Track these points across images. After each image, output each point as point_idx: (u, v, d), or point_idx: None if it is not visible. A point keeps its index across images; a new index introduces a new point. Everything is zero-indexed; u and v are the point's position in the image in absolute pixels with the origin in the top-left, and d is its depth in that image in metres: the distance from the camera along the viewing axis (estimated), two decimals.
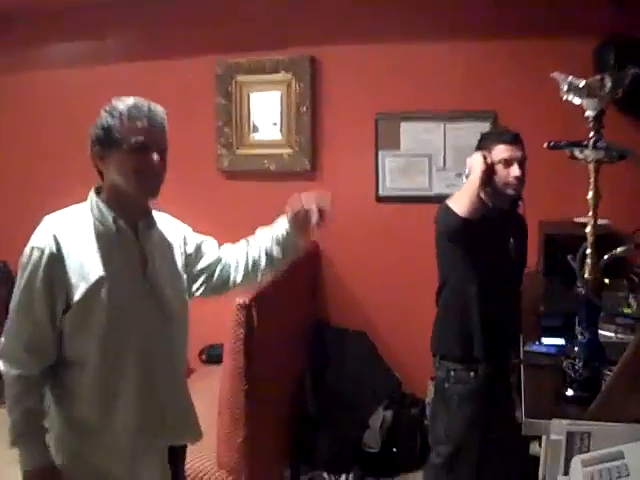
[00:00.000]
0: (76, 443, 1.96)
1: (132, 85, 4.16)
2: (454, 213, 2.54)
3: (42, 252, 1.83)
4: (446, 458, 2.79)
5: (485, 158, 2.65)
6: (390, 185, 4.05)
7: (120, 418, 1.94)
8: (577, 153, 2.22)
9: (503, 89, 3.83)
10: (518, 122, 3.47)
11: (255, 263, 2.18)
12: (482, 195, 2.69)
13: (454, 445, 2.76)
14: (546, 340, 2.71)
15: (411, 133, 3.98)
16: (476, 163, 2.65)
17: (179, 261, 2.10)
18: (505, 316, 2.78)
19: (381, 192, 4.06)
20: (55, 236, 1.85)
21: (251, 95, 4.14)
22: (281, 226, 2.13)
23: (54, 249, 1.83)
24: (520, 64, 3.79)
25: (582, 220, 3.57)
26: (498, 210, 2.75)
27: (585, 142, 2.19)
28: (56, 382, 1.94)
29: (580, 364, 2.22)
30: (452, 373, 2.76)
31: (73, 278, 1.84)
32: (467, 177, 2.70)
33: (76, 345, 1.90)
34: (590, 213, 2.25)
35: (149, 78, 4.20)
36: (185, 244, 2.15)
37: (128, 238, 1.94)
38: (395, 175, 4.03)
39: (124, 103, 1.87)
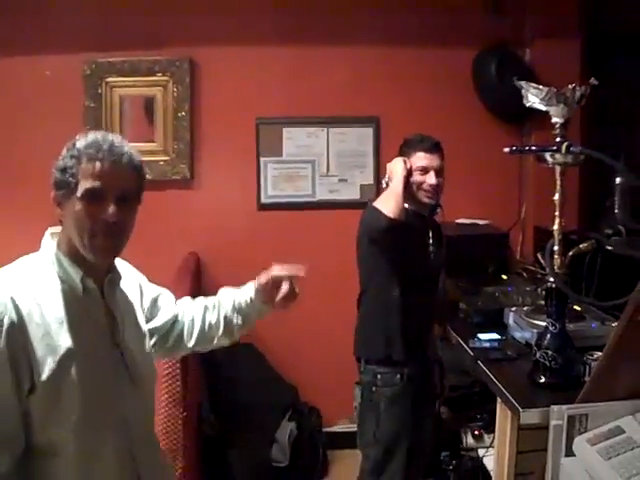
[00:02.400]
0: None
1: None
2: (382, 213, 2.57)
3: (0, 321, 1.47)
4: (375, 461, 2.80)
5: (405, 163, 2.72)
6: (272, 192, 4.00)
7: None
8: (547, 157, 2.33)
9: (386, 95, 3.95)
10: (399, 128, 3.60)
11: (211, 328, 1.96)
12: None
13: (383, 447, 2.78)
14: (482, 336, 2.84)
15: (293, 139, 3.97)
16: (397, 168, 2.71)
17: (140, 317, 1.84)
18: (425, 318, 2.89)
19: (263, 199, 3.99)
20: (13, 299, 1.50)
21: (123, 98, 3.85)
22: (246, 293, 1.94)
23: (14, 316, 1.49)
24: (403, 70, 3.94)
25: (465, 221, 3.82)
26: (417, 215, 2.81)
27: (555, 147, 2.30)
28: (23, 474, 1.57)
29: (553, 353, 2.34)
30: (379, 376, 2.77)
31: (38, 351, 1.51)
32: (387, 182, 2.75)
33: (46, 431, 1.56)
34: (557, 213, 2.36)
35: (5, 76, 3.85)
36: (141, 297, 1.88)
37: (96, 300, 1.65)
38: (278, 182, 3.99)
39: (84, 139, 1.56)
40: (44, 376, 1.50)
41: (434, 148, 2.75)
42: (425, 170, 2.72)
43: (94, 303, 1.64)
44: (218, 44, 3.87)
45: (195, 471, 2.88)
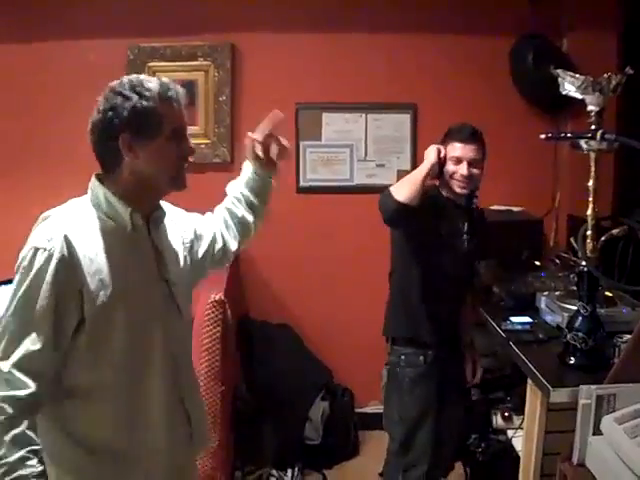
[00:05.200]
0: (96, 472, 1.69)
1: (34, 68, 3.86)
2: (392, 197, 2.57)
3: (50, 255, 1.54)
4: (400, 441, 2.83)
5: (439, 152, 2.72)
6: (311, 176, 4.06)
7: (147, 440, 1.73)
8: (582, 144, 2.37)
9: (423, 82, 3.99)
10: (437, 115, 3.65)
11: (244, 221, 2.05)
12: (437, 184, 2.80)
13: (407, 427, 2.81)
14: (514, 319, 2.89)
15: (332, 124, 4.03)
16: (429, 154, 2.72)
17: (181, 252, 1.88)
18: (453, 303, 2.90)
19: (302, 183, 4.06)
20: (66, 236, 1.57)
21: None
22: (248, 171, 2.05)
23: (66, 252, 1.56)
24: (440, 58, 3.97)
25: (499, 208, 3.86)
26: (452, 203, 2.81)
27: (589, 134, 2.33)
28: (63, 413, 1.66)
29: (584, 335, 2.39)
30: (402, 357, 2.81)
31: (91, 286, 1.58)
32: None
33: (92, 369, 1.63)
34: (590, 198, 2.40)
35: (52, 60, 3.93)
36: (184, 230, 1.92)
37: (143, 236, 1.72)
38: (316, 165, 4.05)
39: (152, 83, 1.62)
40: (94, 311, 1.59)
41: (470, 138, 2.73)
42: (459, 160, 2.72)
43: (141, 239, 1.71)
44: (259, 30, 3.94)
45: (229, 445, 2.95)
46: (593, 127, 2.35)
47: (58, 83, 3.97)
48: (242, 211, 2.04)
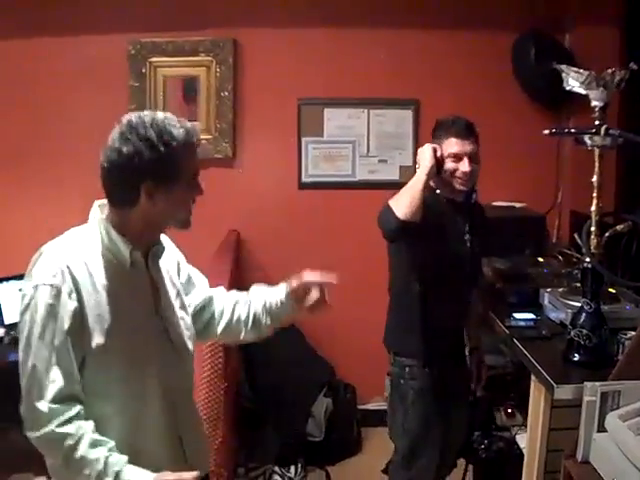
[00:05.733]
0: None
1: (36, 63, 3.86)
2: (393, 215, 2.41)
3: (58, 291, 1.54)
4: (404, 454, 2.74)
5: (435, 151, 2.55)
6: (313, 172, 4.06)
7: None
8: (586, 139, 2.36)
9: (425, 78, 3.99)
10: (439, 111, 3.62)
11: (240, 322, 1.97)
12: (433, 184, 2.62)
13: (411, 440, 2.70)
14: (518, 315, 2.89)
15: (334, 119, 4.03)
16: (425, 157, 2.54)
17: (180, 288, 1.88)
18: (457, 309, 2.76)
19: (304, 179, 4.06)
20: (69, 268, 1.57)
21: (167, 78, 3.95)
22: (277, 294, 1.96)
23: (71, 285, 1.56)
24: (443, 54, 3.98)
25: (502, 204, 3.85)
26: (452, 203, 2.66)
27: (593, 130, 2.33)
28: None
29: (588, 332, 2.38)
30: (407, 369, 2.68)
31: (90, 320, 1.59)
32: (418, 167, 2.58)
33: (93, 404, 1.62)
34: (594, 194, 2.39)
35: (53, 55, 3.93)
36: (179, 271, 1.91)
37: (141, 272, 1.71)
38: (318, 161, 4.06)
39: (177, 129, 1.59)
40: (94, 345, 1.59)
41: (466, 132, 2.57)
42: (458, 157, 2.55)
43: (140, 275, 1.70)
44: (261, 25, 3.93)
45: (232, 442, 2.94)
46: (597, 123, 2.34)
47: (59, 78, 3.96)
48: (245, 316, 1.97)
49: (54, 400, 1.53)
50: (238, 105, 4.00)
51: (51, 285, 1.54)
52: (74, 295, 1.56)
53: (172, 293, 1.82)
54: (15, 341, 3.35)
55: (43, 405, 1.53)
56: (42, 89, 3.97)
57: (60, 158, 3.99)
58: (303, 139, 4.03)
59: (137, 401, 1.69)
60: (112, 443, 1.57)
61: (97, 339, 1.59)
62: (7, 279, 3.60)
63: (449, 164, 2.57)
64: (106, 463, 1.53)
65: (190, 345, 1.86)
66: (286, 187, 4.07)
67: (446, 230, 2.63)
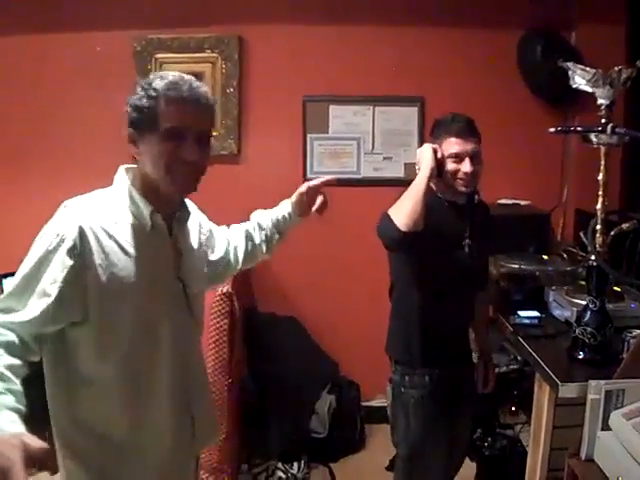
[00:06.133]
0: (100, 458, 1.72)
1: (41, 59, 3.87)
2: (394, 226, 2.31)
3: (62, 241, 1.56)
4: (405, 462, 2.69)
5: (435, 152, 2.45)
6: (318, 168, 4.05)
7: (151, 436, 1.75)
8: (592, 137, 2.36)
9: (431, 75, 3.98)
10: (444, 108, 3.62)
11: (255, 248, 2.12)
12: (434, 187, 2.55)
13: (414, 447, 2.64)
14: (523, 313, 2.89)
15: (339, 116, 4.02)
16: (425, 158, 2.45)
17: (202, 254, 1.95)
18: (456, 322, 2.69)
19: (309, 175, 4.05)
20: (81, 227, 1.58)
21: None
22: (283, 210, 2.16)
23: (77, 243, 1.57)
24: (448, 51, 3.96)
25: (506, 201, 3.85)
26: (453, 207, 2.57)
27: (600, 128, 2.33)
28: (70, 397, 1.69)
29: (593, 330, 2.38)
30: (407, 378, 2.61)
31: (102, 278, 1.59)
32: (418, 169, 2.49)
33: (98, 360, 1.65)
34: (600, 192, 2.39)
35: (58, 52, 3.93)
36: (200, 231, 1.96)
37: (163, 235, 1.73)
38: (323, 158, 4.05)
39: (162, 80, 1.60)
40: (102, 303, 1.60)
41: (467, 131, 2.45)
42: (459, 157, 2.44)
43: (160, 238, 1.72)
44: (266, 22, 3.92)
45: (236, 438, 2.95)
46: (603, 121, 2.34)
47: (65, 74, 3.96)
48: (259, 239, 2.12)
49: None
50: (243, 102, 4.00)
51: (57, 234, 1.57)
52: (78, 253, 1.57)
53: (194, 259, 1.86)
54: None
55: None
56: (47, 85, 3.98)
57: (64, 154, 4.00)
58: (308, 136, 4.02)
59: (146, 360, 1.71)
60: (15, 386, 1.46)
61: (107, 295, 1.60)
62: (11, 274, 3.59)
63: (450, 165, 2.46)
64: None
65: (202, 310, 1.93)
66: (291, 184, 4.01)
67: (444, 236, 2.52)
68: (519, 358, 3.21)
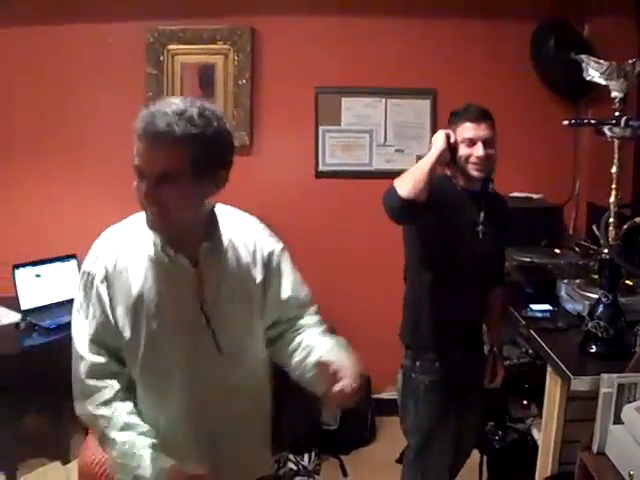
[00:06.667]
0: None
1: (53, 51, 3.89)
2: (396, 193, 2.36)
3: (92, 277, 1.67)
4: (416, 448, 2.70)
5: (448, 137, 2.52)
6: (330, 160, 4.06)
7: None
8: (606, 130, 2.35)
9: (443, 68, 3.97)
10: (457, 101, 3.61)
11: (289, 356, 1.89)
12: (449, 173, 2.61)
13: (423, 434, 2.66)
14: (535, 306, 2.88)
15: (352, 108, 4.02)
16: (437, 140, 2.52)
17: (251, 289, 1.79)
18: (471, 303, 2.68)
19: (321, 167, 4.06)
20: (107, 264, 1.66)
21: (184, 65, 3.96)
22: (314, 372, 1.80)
23: (103, 275, 1.66)
24: (461, 44, 3.95)
25: (519, 195, 3.83)
26: (466, 192, 2.60)
27: (614, 120, 2.31)
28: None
29: (605, 324, 2.38)
30: (417, 363, 2.64)
31: (119, 312, 1.67)
32: None
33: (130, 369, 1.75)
34: (613, 185, 2.39)
35: (71, 44, 3.95)
36: (253, 268, 1.79)
37: (183, 267, 1.66)
38: (335, 150, 4.05)
39: (145, 110, 1.53)
40: (122, 334, 1.66)
41: (480, 117, 2.52)
42: (472, 142, 2.49)
43: (180, 270, 1.66)
44: (279, 13, 3.92)
45: None
46: (617, 114, 2.33)
47: (77, 66, 3.98)
48: (297, 360, 1.86)
49: (89, 375, 1.64)
50: (255, 93, 4.00)
51: (88, 272, 1.67)
52: (105, 283, 1.65)
53: (234, 292, 1.74)
54: (32, 327, 3.41)
55: (80, 381, 1.66)
56: (60, 76, 3.99)
57: (78, 145, 4.02)
58: (320, 128, 4.03)
59: (159, 395, 1.72)
60: (144, 427, 1.64)
61: (125, 329, 1.65)
62: (23, 265, 3.63)
63: (463, 150, 2.52)
64: (132, 445, 1.60)
65: (245, 350, 1.80)
66: (303, 176, 4.07)
67: (457, 219, 2.56)
68: (530, 351, 3.19)
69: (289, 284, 1.89)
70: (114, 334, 1.66)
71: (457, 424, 2.67)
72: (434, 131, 3.88)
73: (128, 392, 1.69)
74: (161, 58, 3.92)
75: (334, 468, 3.66)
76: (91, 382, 1.64)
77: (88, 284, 1.66)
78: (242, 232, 1.80)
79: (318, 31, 3.96)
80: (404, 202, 2.34)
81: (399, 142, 4.02)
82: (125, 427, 1.62)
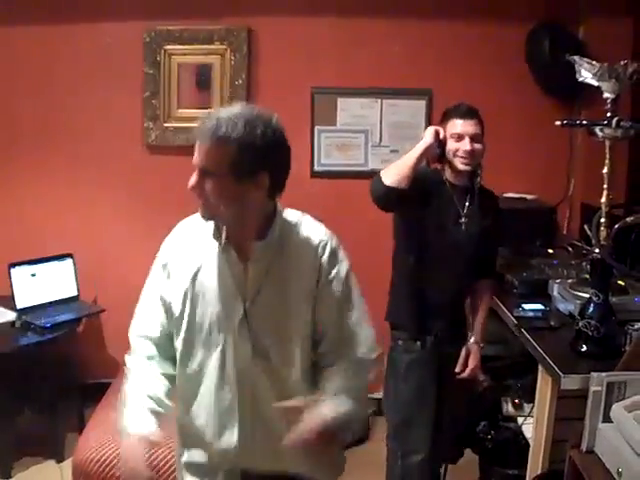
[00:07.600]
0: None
1: (51, 51, 3.91)
2: (380, 181, 2.57)
3: (160, 262, 1.87)
4: (395, 426, 2.84)
5: (437, 133, 2.69)
6: (325, 160, 4.08)
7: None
8: (597, 131, 2.37)
9: (439, 68, 3.99)
10: (452, 101, 3.63)
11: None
12: (439, 167, 2.79)
13: (402, 413, 2.80)
14: (527, 306, 2.90)
15: (348, 109, 4.04)
16: (426, 134, 2.70)
17: (306, 291, 1.80)
18: (449, 290, 2.80)
19: (316, 167, 4.08)
20: (169, 247, 1.87)
21: (181, 65, 3.97)
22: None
23: (166, 261, 1.85)
24: (456, 45, 3.97)
25: (513, 195, 3.85)
26: (452, 185, 2.76)
27: (605, 121, 2.33)
28: None
29: (596, 323, 2.39)
30: (399, 342, 2.81)
31: (172, 295, 1.83)
32: None
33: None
34: (605, 185, 2.40)
35: (68, 43, 3.97)
36: (315, 282, 1.82)
37: (232, 258, 1.76)
38: (331, 150, 4.07)
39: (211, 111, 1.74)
40: (174, 315, 1.82)
41: (468, 114, 2.70)
42: (460, 137, 2.67)
43: (229, 261, 1.77)
44: (275, 14, 3.93)
45: None
46: (609, 114, 2.35)
47: (74, 66, 4.00)
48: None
49: (138, 334, 1.88)
50: (252, 94, 4.00)
51: (157, 257, 1.87)
52: (167, 268, 1.83)
53: (283, 292, 1.78)
54: (27, 326, 3.42)
55: (132, 335, 1.91)
56: (58, 75, 4.01)
57: (74, 144, 4.02)
58: (316, 128, 4.04)
59: (192, 380, 1.83)
60: (158, 392, 1.82)
61: (175, 311, 1.81)
62: (19, 264, 3.64)
63: (452, 144, 2.69)
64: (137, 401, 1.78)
65: (282, 354, 1.79)
66: (298, 175, 4.02)
67: (441, 209, 2.74)
68: (522, 350, 3.21)
69: (340, 312, 1.89)
70: (169, 316, 1.83)
71: (437, 405, 2.79)
72: None
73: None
74: (158, 58, 3.93)
75: None
76: (138, 340, 1.88)
77: (155, 266, 1.87)
78: (307, 242, 1.86)
79: (314, 32, 3.97)
80: (387, 189, 2.55)
81: (394, 142, 4.04)
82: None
